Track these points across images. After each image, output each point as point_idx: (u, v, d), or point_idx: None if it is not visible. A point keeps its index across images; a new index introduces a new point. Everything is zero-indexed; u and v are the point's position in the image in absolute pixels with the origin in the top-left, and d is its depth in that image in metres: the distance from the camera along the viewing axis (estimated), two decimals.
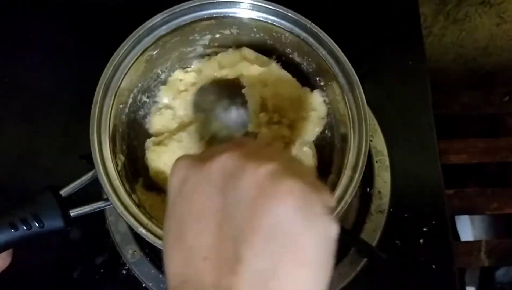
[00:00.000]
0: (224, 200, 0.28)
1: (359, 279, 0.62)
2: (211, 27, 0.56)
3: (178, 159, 0.32)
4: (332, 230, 0.27)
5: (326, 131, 0.60)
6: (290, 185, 0.27)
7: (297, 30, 0.54)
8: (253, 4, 0.53)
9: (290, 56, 0.58)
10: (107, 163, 0.48)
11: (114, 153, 0.50)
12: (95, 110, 0.50)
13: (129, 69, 0.52)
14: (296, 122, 0.59)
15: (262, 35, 0.57)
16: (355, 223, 0.66)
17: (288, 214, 0.26)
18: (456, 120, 1.03)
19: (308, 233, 0.26)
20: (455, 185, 0.90)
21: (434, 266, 0.63)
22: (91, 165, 0.48)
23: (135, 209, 0.47)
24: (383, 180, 0.67)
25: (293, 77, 0.60)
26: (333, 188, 0.50)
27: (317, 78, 0.57)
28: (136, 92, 0.58)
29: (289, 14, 0.53)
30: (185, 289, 0.27)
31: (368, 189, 0.66)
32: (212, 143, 0.57)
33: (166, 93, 0.61)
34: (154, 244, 0.46)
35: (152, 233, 0.46)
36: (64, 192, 0.47)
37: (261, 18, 0.54)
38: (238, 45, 0.60)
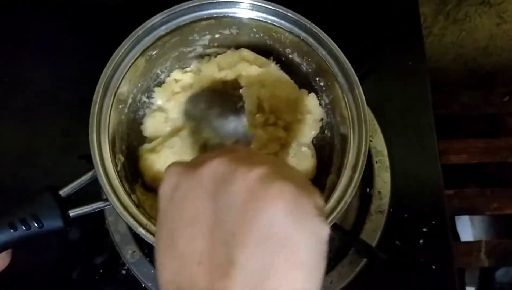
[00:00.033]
0: (216, 205, 0.28)
1: (359, 280, 0.62)
2: (211, 27, 0.56)
3: (169, 166, 0.32)
4: (323, 231, 0.28)
5: (326, 131, 0.60)
6: (280, 188, 0.27)
7: (296, 30, 0.54)
8: (252, 4, 0.53)
9: (290, 56, 0.58)
10: (106, 163, 0.48)
11: (113, 153, 0.50)
12: (94, 110, 0.49)
13: (128, 69, 0.52)
14: (292, 124, 0.59)
15: (261, 35, 0.57)
16: (355, 223, 0.66)
17: (279, 217, 0.26)
18: (456, 120, 1.03)
19: (300, 235, 0.26)
20: (455, 185, 0.90)
21: (434, 267, 0.63)
22: (90, 165, 0.48)
23: (134, 209, 0.47)
24: (383, 180, 0.67)
25: (293, 77, 0.60)
26: (332, 188, 0.50)
27: (317, 78, 0.57)
28: (136, 92, 0.58)
29: (288, 14, 0.53)
30: None
31: (368, 189, 0.66)
32: (205, 149, 0.57)
33: (160, 94, 0.61)
34: (154, 245, 0.46)
35: (152, 233, 0.46)
36: (63, 192, 0.47)
37: (260, 18, 0.54)
38: (238, 45, 0.60)
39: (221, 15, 0.54)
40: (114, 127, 0.52)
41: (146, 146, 0.58)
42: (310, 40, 0.53)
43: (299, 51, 0.56)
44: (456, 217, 1.03)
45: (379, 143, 0.68)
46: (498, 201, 0.90)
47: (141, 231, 0.46)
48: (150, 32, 0.53)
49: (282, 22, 0.54)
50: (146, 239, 0.46)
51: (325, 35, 0.53)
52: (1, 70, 0.73)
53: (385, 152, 0.68)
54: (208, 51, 0.61)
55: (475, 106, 0.99)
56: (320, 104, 0.59)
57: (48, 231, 0.44)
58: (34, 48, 0.75)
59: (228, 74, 0.59)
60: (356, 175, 0.49)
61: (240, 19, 0.55)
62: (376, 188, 0.66)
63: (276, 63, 0.60)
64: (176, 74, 0.61)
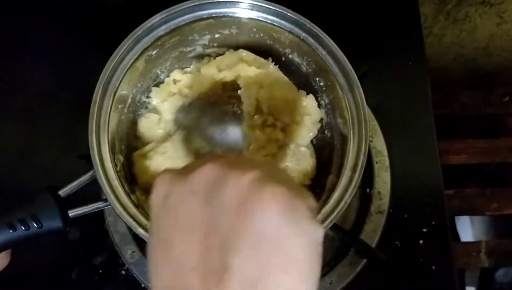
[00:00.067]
0: (209, 210, 0.28)
1: (358, 280, 0.62)
2: (211, 27, 0.56)
3: (160, 174, 0.32)
4: (318, 233, 0.28)
5: (326, 132, 0.60)
6: (273, 190, 0.27)
7: (296, 30, 0.53)
8: (252, 4, 0.53)
9: (290, 56, 0.58)
10: (106, 164, 0.48)
11: (113, 154, 0.50)
12: (94, 110, 0.49)
13: (128, 69, 0.52)
14: (290, 126, 0.59)
15: (261, 35, 0.57)
16: (355, 223, 0.66)
17: (273, 220, 0.26)
18: (456, 120, 1.03)
19: (294, 237, 0.26)
20: (455, 186, 0.90)
21: (433, 267, 0.63)
22: (90, 165, 0.48)
23: (134, 210, 0.47)
24: (383, 180, 0.67)
25: (293, 77, 0.60)
26: (332, 188, 0.50)
27: (317, 78, 0.57)
28: (135, 93, 0.57)
29: (288, 14, 0.53)
30: None
31: (368, 190, 0.66)
32: (197, 156, 0.57)
33: (157, 94, 0.60)
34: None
35: None
36: (62, 192, 0.47)
37: (260, 18, 0.54)
38: (238, 45, 0.60)
39: (221, 15, 0.54)
40: (113, 127, 0.52)
41: (138, 151, 0.58)
42: (310, 40, 0.53)
43: (299, 51, 0.56)
44: (456, 217, 1.03)
45: (379, 143, 0.68)
46: (498, 201, 0.90)
47: (140, 231, 0.46)
48: (150, 32, 0.53)
49: (282, 22, 0.53)
50: (145, 239, 0.46)
51: (325, 35, 0.53)
52: (1, 70, 0.73)
53: (385, 152, 0.68)
54: (208, 51, 0.61)
55: (475, 106, 0.99)
56: (320, 104, 0.59)
57: (47, 231, 0.44)
58: (34, 48, 0.75)
59: (227, 75, 0.59)
60: (356, 176, 0.49)
61: (239, 19, 0.55)
62: (376, 188, 0.66)
63: (276, 64, 0.60)
64: (176, 75, 0.61)
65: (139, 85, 0.57)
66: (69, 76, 0.72)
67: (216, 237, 0.27)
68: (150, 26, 0.52)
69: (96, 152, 0.48)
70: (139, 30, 0.52)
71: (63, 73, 0.73)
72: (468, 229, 1.04)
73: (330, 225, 0.47)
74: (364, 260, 0.63)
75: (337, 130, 0.56)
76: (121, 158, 0.54)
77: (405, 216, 0.66)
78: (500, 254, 0.88)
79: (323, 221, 0.47)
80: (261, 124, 0.59)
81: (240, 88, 0.58)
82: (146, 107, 0.61)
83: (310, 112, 0.59)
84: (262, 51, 0.59)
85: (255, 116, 0.59)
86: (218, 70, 0.60)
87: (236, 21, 0.55)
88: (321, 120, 0.60)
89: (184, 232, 0.28)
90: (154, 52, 0.55)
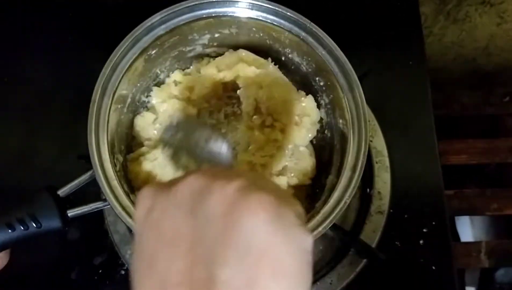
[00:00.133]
0: (194, 222, 0.27)
1: (358, 280, 0.62)
2: (210, 27, 0.56)
3: (143, 189, 0.31)
4: (306, 241, 0.27)
5: (326, 131, 0.60)
6: (260, 198, 0.26)
7: (296, 29, 0.53)
8: (252, 3, 0.53)
9: (290, 55, 0.58)
10: (105, 164, 0.48)
11: (112, 154, 0.50)
12: (93, 110, 0.49)
13: (127, 69, 0.52)
14: (289, 126, 0.59)
15: (261, 34, 0.57)
16: (355, 223, 0.66)
17: (260, 228, 0.25)
18: (456, 121, 1.03)
19: (282, 245, 0.26)
20: (455, 186, 0.90)
21: (434, 267, 0.63)
22: (90, 165, 0.48)
23: (133, 210, 0.47)
24: (383, 180, 0.67)
25: (292, 77, 0.60)
26: (332, 188, 0.50)
27: (317, 78, 0.57)
28: (135, 92, 0.57)
29: (288, 13, 0.53)
30: None
31: (368, 190, 0.66)
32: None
33: (157, 94, 0.60)
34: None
35: None
36: (62, 192, 0.47)
37: (260, 18, 0.54)
38: (238, 45, 0.60)
39: (220, 14, 0.54)
40: (113, 127, 0.52)
41: (131, 155, 0.58)
42: (310, 39, 0.53)
43: (298, 50, 0.56)
44: (456, 218, 1.03)
45: (379, 143, 0.68)
46: (498, 202, 0.90)
47: None
48: (149, 32, 0.53)
49: (282, 21, 0.53)
50: None
51: (325, 34, 0.53)
52: (1, 70, 0.73)
53: (385, 152, 0.68)
54: (208, 50, 0.61)
55: (475, 106, 0.99)
56: (320, 104, 0.59)
57: (46, 231, 0.44)
58: (34, 48, 0.75)
59: (226, 75, 0.59)
60: (356, 176, 0.49)
61: (239, 18, 0.55)
62: (376, 189, 0.66)
63: (275, 64, 0.60)
64: (176, 76, 0.61)
65: (138, 84, 0.57)
66: (69, 76, 0.72)
67: (201, 250, 0.26)
68: (150, 26, 0.52)
69: (95, 152, 0.48)
70: (138, 30, 0.52)
71: (63, 73, 0.73)
72: (468, 229, 1.04)
73: (330, 225, 0.47)
74: (364, 260, 0.62)
75: (337, 130, 0.56)
76: (121, 158, 0.54)
77: (405, 216, 0.66)
78: (500, 254, 0.88)
79: (322, 221, 0.47)
80: (260, 125, 0.59)
81: (239, 88, 0.58)
82: (146, 107, 0.61)
83: (309, 113, 0.59)
84: (262, 50, 0.59)
85: (254, 117, 0.59)
86: (217, 70, 0.60)
87: (235, 21, 0.55)
88: (321, 120, 0.60)
89: (168, 247, 0.27)
90: (153, 52, 0.55)
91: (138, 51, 0.52)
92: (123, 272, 0.63)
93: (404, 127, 0.70)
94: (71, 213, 0.46)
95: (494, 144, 0.94)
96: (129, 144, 0.58)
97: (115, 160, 0.50)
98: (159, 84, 0.61)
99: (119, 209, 0.47)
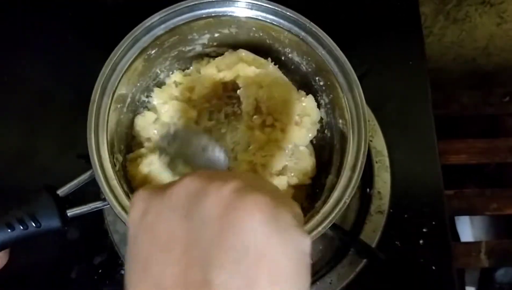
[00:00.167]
0: (189, 225, 0.26)
1: (358, 280, 0.62)
2: (210, 26, 0.56)
3: (137, 192, 0.30)
4: (304, 243, 0.26)
5: (326, 131, 0.60)
6: (256, 199, 0.26)
7: (296, 29, 0.53)
8: (251, 3, 0.53)
9: (290, 55, 0.58)
10: (104, 163, 0.48)
11: (112, 153, 0.50)
12: (92, 109, 0.49)
13: (127, 68, 0.52)
14: (289, 126, 0.59)
15: (261, 34, 0.57)
16: (355, 223, 0.66)
17: (256, 230, 0.25)
18: (456, 121, 1.03)
19: (279, 246, 0.25)
20: (455, 186, 0.90)
21: (433, 267, 0.63)
22: (89, 165, 0.48)
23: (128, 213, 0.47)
24: (383, 180, 0.67)
25: (292, 77, 0.60)
26: (332, 188, 0.50)
27: (317, 78, 0.57)
28: (135, 92, 0.57)
29: (288, 13, 0.53)
30: None
31: (368, 190, 0.66)
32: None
33: (158, 95, 0.60)
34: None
35: None
36: (61, 192, 0.47)
37: (259, 17, 0.54)
38: (237, 44, 0.60)
39: (220, 14, 0.54)
40: (112, 127, 0.52)
41: (130, 155, 0.58)
42: (310, 39, 0.53)
43: (298, 50, 0.56)
44: (456, 218, 1.03)
45: (379, 143, 0.68)
46: (498, 202, 0.90)
47: None
48: (148, 32, 0.52)
49: (281, 21, 0.53)
50: None
51: (325, 34, 0.53)
52: (1, 69, 0.73)
53: (385, 152, 0.68)
54: (208, 50, 0.61)
55: (474, 106, 0.99)
56: (320, 104, 0.59)
57: (46, 231, 0.44)
58: (34, 47, 0.75)
59: (226, 75, 0.59)
60: (355, 176, 0.48)
61: (239, 18, 0.55)
62: (376, 188, 0.66)
63: (275, 64, 0.60)
64: (176, 76, 0.61)
65: (138, 84, 0.57)
66: (69, 76, 0.72)
67: (196, 253, 0.25)
68: (149, 26, 0.52)
69: (95, 152, 0.48)
70: (138, 30, 0.52)
71: (62, 73, 0.73)
72: (468, 229, 1.04)
73: (330, 225, 0.47)
74: (364, 260, 0.62)
75: (337, 130, 0.56)
76: (120, 158, 0.54)
77: (405, 216, 0.66)
78: (500, 254, 0.88)
79: (322, 221, 0.47)
80: (260, 124, 0.59)
81: (239, 88, 0.58)
82: (146, 107, 0.61)
83: (309, 113, 0.59)
84: (261, 50, 0.59)
85: (255, 116, 0.59)
86: (217, 70, 0.60)
87: (235, 20, 0.55)
88: (321, 119, 0.60)
89: (162, 250, 0.27)
90: (153, 52, 0.55)
91: (138, 51, 0.52)
92: (123, 272, 0.63)
93: (404, 127, 0.70)
94: (70, 212, 0.46)
95: (494, 144, 0.94)
96: (129, 144, 0.58)
97: (114, 160, 0.50)
98: (159, 84, 0.61)
99: (118, 208, 0.46)
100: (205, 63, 0.62)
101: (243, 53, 0.59)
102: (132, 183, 0.56)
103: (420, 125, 0.70)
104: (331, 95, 0.56)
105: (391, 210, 0.65)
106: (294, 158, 0.59)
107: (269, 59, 0.60)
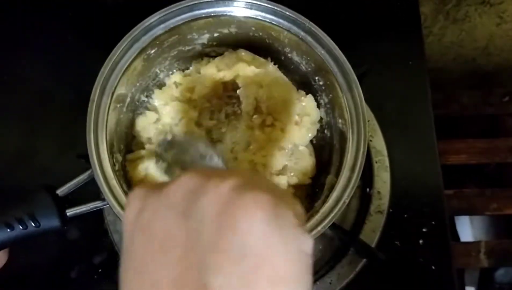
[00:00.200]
0: (186, 224, 0.25)
1: (358, 280, 0.62)
2: (209, 26, 0.56)
3: (133, 189, 0.29)
4: (306, 243, 0.25)
5: (326, 131, 0.60)
6: (256, 197, 0.25)
7: (295, 29, 0.53)
8: (251, 3, 0.53)
9: (289, 55, 0.58)
10: (103, 163, 0.48)
11: (111, 153, 0.50)
12: (91, 109, 0.49)
13: (126, 68, 0.52)
14: (289, 126, 0.59)
15: (260, 34, 0.57)
16: (354, 223, 0.66)
17: (256, 229, 0.24)
18: (456, 121, 1.03)
19: (281, 247, 0.24)
20: (455, 186, 0.90)
21: (433, 267, 0.63)
22: (89, 165, 0.48)
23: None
24: (383, 180, 0.67)
25: (292, 76, 0.60)
26: (331, 188, 0.50)
27: (316, 78, 0.57)
28: (134, 92, 0.57)
29: (287, 13, 0.53)
30: None
31: (367, 190, 0.66)
32: None
33: (158, 96, 0.60)
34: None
35: None
36: (60, 191, 0.47)
37: (259, 17, 0.54)
38: (237, 44, 0.60)
39: (219, 14, 0.54)
40: (112, 126, 0.52)
41: (129, 155, 0.58)
42: (309, 39, 0.53)
43: (298, 50, 0.56)
44: (456, 217, 1.03)
45: (379, 143, 0.68)
46: (498, 202, 0.90)
47: None
48: (148, 32, 0.52)
49: (281, 20, 0.53)
50: None
51: (324, 34, 0.53)
52: (1, 69, 0.73)
53: (385, 152, 0.68)
54: (207, 50, 0.61)
55: (474, 106, 0.99)
56: (320, 104, 0.59)
57: (45, 230, 0.44)
58: (34, 47, 0.75)
59: (226, 75, 0.59)
60: (355, 175, 0.49)
61: (238, 17, 0.55)
62: (376, 188, 0.66)
63: (275, 63, 0.60)
64: (176, 77, 0.61)
65: (138, 84, 0.57)
66: (69, 76, 0.72)
67: (194, 254, 0.25)
68: (148, 26, 0.52)
69: (94, 151, 0.48)
70: (137, 30, 0.52)
71: (62, 73, 0.73)
72: (467, 229, 1.04)
73: (329, 225, 0.47)
74: (364, 260, 0.62)
75: (337, 130, 0.56)
76: (120, 158, 0.54)
77: (405, 216, 0.66)
78: (500, 254, 0.88)
79: (321, 220, 0.47)
80: (260, 124, 0.59)
81: (239, 88, 0.58)
82: (146, 107, 0.61)
83: (309, 112, 0.59)
84: (261, 50, 0.59)
85: (255, 116, 0.59)
86: (217, 70, 0.60)
87: (234, 20, 0.55)
88: (320, 119, 0.60)
89: (158, 251, 0.26)
90: (152, 51, 0.55)
91: (137, 51, 0.52)
92: None
93: (403, 127, 0.70)
94: (70, 212, 0.46)
95: (494, 144, 0.94)
96: (128, 144, 0.58)
97: (114, 160, 0.50)
98: (159, 83, 0.61)
99: (117, 208, 0.47)
100: (205, 63, 0.62)
101: (242, 52, 0.59)
102: (131, 183, 0.56)
103: (420, 125, 0.70)
104: (330, 95, 0.56)
105: (390, 210, 0.65)
106: (294, 157, 0.59)
107: (269, 58, 0.60)
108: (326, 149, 0.59)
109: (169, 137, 0.47)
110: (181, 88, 0.61)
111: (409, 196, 0.66)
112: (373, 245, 0.63)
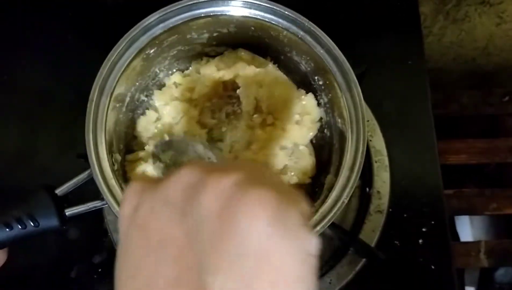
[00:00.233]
0: (185, 222, 0.24)
1: (358, 280, 0.62)
2: (209, 26, 0.56)
3: (130, 184, 0.28)
4: (311, 243, 0.24)
5: (325, 130, 0.60)
6: (259, 194, 0.23)
7: (294, 28, 0.53)
8: (250, 2, 0.53)
9: (289, 54, 0.58)
10: (102, 163, 0.48)
11: (110, 153, 0.50)
12: (90, 109, 0.49)
13: (125, 68, 0.52)
14: (290, 125, 0.59)
15: (260, 33, 0.57)
16: (354, 223, 0.66)
17: (259, 228, 0.22)
18: (456, 121, 1.03)
19: (284, 249, 0.23)
20: (454, 186, 0.90)
21: (433, 267, 0.63)
22: (89, 165, 0.48)
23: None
24: (382, 180, 0.67)
25: (291, 76, 0.60)
26: (331, 188, 0.50)
27: (316, 77, 0.57)
28: (134, 91, 0.57)
29: (286, 12, 0.53)
30: None
31: (367, 189, 0.66)
32: None
33: (159, 97, 0.61)
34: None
35: None
36: (59, 191, 0.47)
37: (258, 16, 0.54)
38: (236, 44, 0.60)
39: (219, 13, 0.54)
40: (111, 126, 0.52)
41: (129, 156, 0.58)
42: (308, 38, 0.53)
43: (297, 49, 0.56)
44: (456, 217, 1.03)
45: (379, 143, 0.68)
46: (498, 201, 0.90)
47: None
48: (146, 31, 0.52)
49: (280, 20, 0.53)
50: None
51: (323, 33, 0.52)
52: (1, 69, 0.73)
53: (385, 152, 0.68)
54: (207, 49, 0.61)
55: (474, 106, 0.99)
56: (319, 103, 0.59)
57: (44, 230, 0.44)
58: (34, 47, 0.75)
59: (226, 74, 0.59)
60: (354, 175, 0.48)
61: (237, 17, 0.54)
62: (375, 188, 0.66)
63: (274, 63, 0.60)
64: (176, 78, 0.61)
65: (137, 84, 0.57)
66: (69, 76, 0.72)
67: (193, 254, 0.23)
68: (147, 25, 0.52)
69: (93, 151, 0.48)
70: (135, 29, 0.52)
71: (62, 73, 0.73)
72: (467, 229, 1.04)
73: (328, 225, 0.47)
74: (364, 260, 0.62)
75: (336, 129, 0.56)
76: (119, 158, 0.54)
77: (405, 215, 0.66)
78: (500, 254, 0.88)
79: (320, 220, 0.47)
80: (260, 123, 0.59)
81: (239, 88, 0.59)
82: (146, 106, 0.61)
83: (309, 112, 0.59)
84: (261, 49, 0.59)
85: (255, 115, 0.59)
86: (217, 70, 0.60)
87: (234, 20, 0.55)
88: (320, 119, 0.60)
89: (155, 250, 0.25)
90: (151, 51, 0.55)
91: (136, 51, 0.52)
92: None
93: (403, 126, 0.70)
94: (68, 212, 0.46)
95: (494, 144, 0.94)
96: (128, 144, 0.58)
97: (113, 160, 0.50)
98: (158, 83, 0.61)
99: (116, 208, 0.47)
100: (205, 63, 0.62)
101: (242, 52, 0.59)
102: None
103: (419, 124, 0.70)
104: (330, 95, 0.56)
105: (390, 210, 0.65)
106: (294, 157, 0.59)
107: (268, 58, 0.60)
108: (326, 148, 0.59)
109: (166, 138, 0.47)
110: (181, 88, 0.61)
111: (408, 196, 0.66)
112: (372, 244, 0.63)
